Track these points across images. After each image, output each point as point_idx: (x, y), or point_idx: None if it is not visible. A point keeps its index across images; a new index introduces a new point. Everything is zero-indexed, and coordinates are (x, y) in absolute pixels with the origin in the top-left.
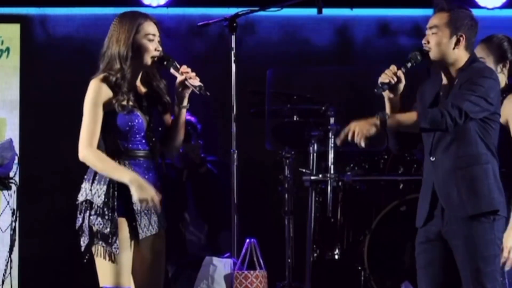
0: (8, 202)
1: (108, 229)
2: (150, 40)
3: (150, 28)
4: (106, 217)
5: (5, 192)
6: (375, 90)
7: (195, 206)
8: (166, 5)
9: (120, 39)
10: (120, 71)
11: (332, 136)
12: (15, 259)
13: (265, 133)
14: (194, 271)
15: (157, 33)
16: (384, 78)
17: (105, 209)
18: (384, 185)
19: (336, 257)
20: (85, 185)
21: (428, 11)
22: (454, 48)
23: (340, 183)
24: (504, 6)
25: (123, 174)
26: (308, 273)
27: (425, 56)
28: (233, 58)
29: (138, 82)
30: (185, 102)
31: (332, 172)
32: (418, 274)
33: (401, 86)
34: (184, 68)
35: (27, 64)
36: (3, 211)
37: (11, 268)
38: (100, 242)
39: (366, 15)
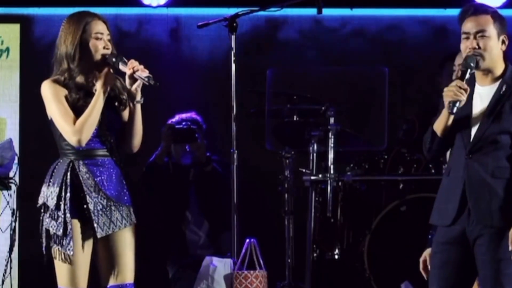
0: (8, 202)
1: (61, 231)
2: (98, 39)
3: (99, 27)
4: (59, 219)
5: (5, 192)
6: (449, 111)
7: (198, 205)
8: (166, 5)
9: (67, 40)
10: (68, 71)
11: (332, 136)
12: (15, 259)
13: (265, 133)
14: (194, 271)
15: (106, 32)
16: (453, 96)
17: (58, 211)
18: (384, 185)
19: (336, 257)
20: (43, 188)
21: (429, 11)
22: (500, 50)
23: (340, 183)
24: (504, 6)
25: (96, 96)
26: (308, 273)
27: (477, 62)
28: (233, 58)
29: (92, 82)
30: (138, 97)
31: (332, 172)
32: (430, 273)
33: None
34: (132, 62)
35: (27, 64)
36: (3, 211)
37: (11, 268)
38: (55, 244)
39: (366, 15)
